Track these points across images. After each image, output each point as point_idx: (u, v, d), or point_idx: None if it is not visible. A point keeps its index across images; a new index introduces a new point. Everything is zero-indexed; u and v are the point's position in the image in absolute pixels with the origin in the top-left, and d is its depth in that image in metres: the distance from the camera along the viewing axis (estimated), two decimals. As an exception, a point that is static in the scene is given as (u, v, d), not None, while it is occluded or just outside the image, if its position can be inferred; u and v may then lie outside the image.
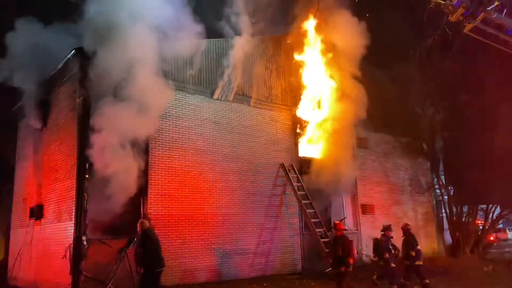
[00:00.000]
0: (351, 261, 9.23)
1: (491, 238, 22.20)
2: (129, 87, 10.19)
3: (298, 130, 15.45)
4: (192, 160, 12.56)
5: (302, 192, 14.25)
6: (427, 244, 18.71)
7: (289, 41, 15.33)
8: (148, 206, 11.41)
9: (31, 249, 12.92)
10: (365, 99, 14.55)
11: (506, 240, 29.50)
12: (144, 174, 11.25)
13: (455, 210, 18.10)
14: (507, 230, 32.85)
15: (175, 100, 12.51)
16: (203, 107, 13.16)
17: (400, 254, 10.67)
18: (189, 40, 11.60)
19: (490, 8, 8.47)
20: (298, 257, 14.37)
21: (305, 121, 15.57)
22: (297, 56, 15.45)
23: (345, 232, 9.79)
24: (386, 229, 10.92)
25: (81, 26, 10.59)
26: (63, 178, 11.60)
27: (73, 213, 10.50)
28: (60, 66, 12.04)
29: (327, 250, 9.54)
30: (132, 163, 10.59)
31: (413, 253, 10.37)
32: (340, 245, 9.42)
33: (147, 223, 9.33)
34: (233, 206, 13.15)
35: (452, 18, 8.86)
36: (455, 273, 12.80)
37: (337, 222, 10.10)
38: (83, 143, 10.55)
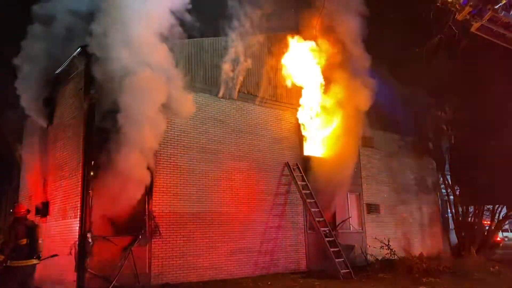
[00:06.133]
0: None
1: (498, 239, 21.99)
2: (134, 86, 10.16)
3: (303, 129, 15.40)
4: (197, 158, 12.57)
5: (307, 191, 14.22)
6: (432, 244, 18.66)
7: (295, 40, 15.29)
8: (153, 203, 11.45)
9: (37, 246, 12.95)
10: (371, 97, 14.51)
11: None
12: (149, 172, 11.27)
13: (461, 210, 18.00)
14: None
15: (181, 98, 12.51)
16: (208, 106, 13.16)
17: None
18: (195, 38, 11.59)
19: (497, 6, 8.38)
20: (302, 256, 14.35)
21: (310, 120, 15.52)
22: (302, 55, 15.40)
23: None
24: None
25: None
26: (69, 175, 11.64)
27: (79, 211, 10.52)
28: (66, 63, 12.07)
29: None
30: (138, 161, 10.60)
31: None
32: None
33: None
34: (237, 205, 13.15)
35: (459, 17, 8.77)
36: (460, 273, 12.71)
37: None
38: (89, 141, 10.58)
